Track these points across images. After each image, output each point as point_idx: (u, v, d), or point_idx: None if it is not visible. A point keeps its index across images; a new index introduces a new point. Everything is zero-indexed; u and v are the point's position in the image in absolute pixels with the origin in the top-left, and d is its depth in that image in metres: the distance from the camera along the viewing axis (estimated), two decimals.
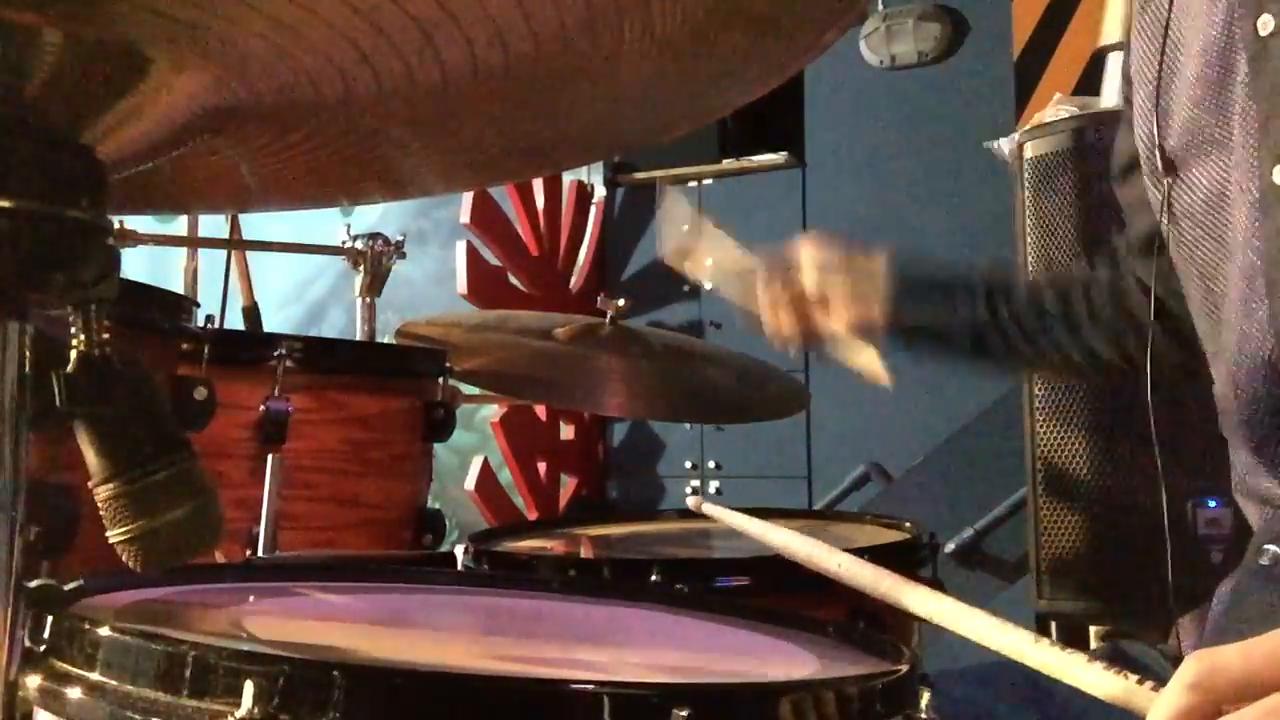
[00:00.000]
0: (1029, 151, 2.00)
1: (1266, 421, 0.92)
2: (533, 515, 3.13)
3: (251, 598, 0.90)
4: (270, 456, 1.34)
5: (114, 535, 0.58)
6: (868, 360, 1.21)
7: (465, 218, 3.08)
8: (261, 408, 1.39)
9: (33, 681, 0.61)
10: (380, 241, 2.10)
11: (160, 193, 0.72)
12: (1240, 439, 0.95)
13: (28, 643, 0.62)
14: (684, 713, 0.54)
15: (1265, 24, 0.88)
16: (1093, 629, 2.05)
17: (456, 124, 0.61)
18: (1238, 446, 0.96)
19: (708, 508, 1.11)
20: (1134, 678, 0.57)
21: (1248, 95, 0.90)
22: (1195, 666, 0.52)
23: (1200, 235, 0.97)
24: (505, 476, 3.18)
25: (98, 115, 0.52)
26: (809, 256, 1.24)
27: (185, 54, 0.50)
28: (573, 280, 3.43)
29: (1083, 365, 1.20)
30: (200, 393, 1.27)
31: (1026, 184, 1.99)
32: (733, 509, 1.07)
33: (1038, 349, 1.22)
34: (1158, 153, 1.00)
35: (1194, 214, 0.97)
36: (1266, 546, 0.91)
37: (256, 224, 3.01)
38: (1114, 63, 2.13)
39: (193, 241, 2.37)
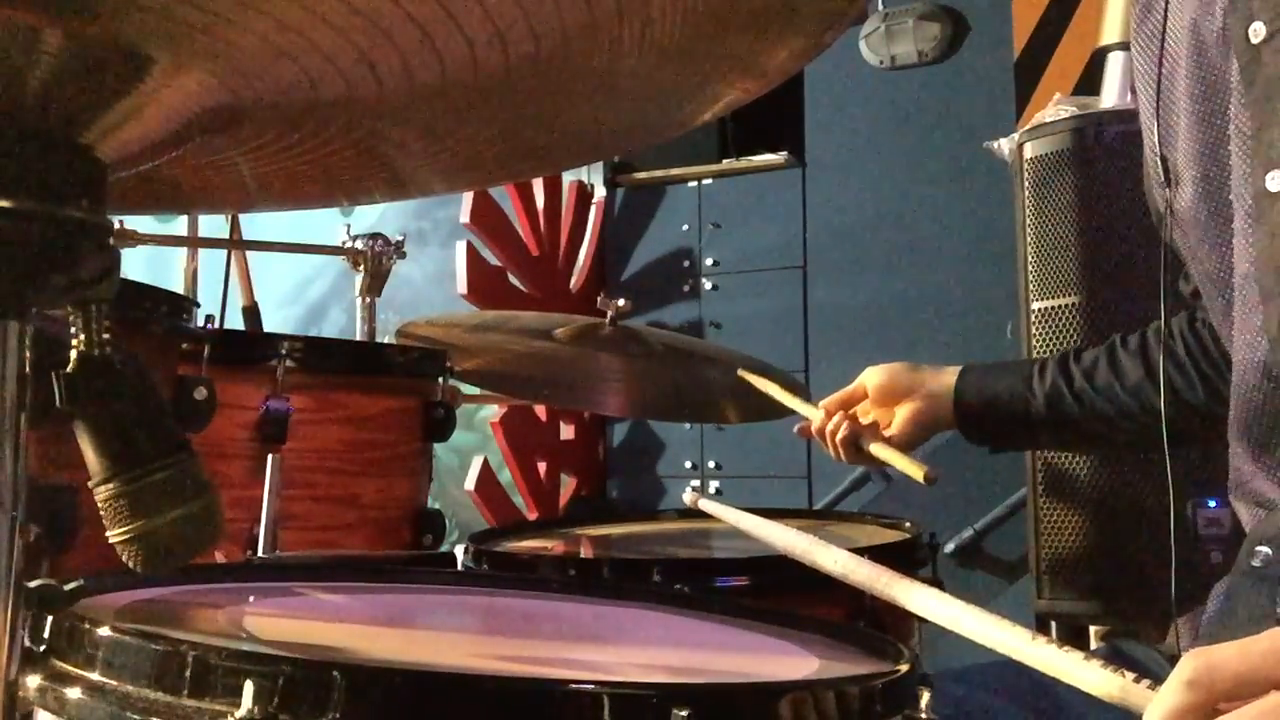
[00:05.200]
0: (1029, 151, 2.00)
1: (1262, 424, 0.92)
2: (533, 515, 3.13)
3: (251, 598, 0.90)
4: (270, 456, 1.34)
5: (114, 535, 0.58)
6: (904, 464, 1.35)
7: (465, 218, 3.08)
8: (261, 408, 1.39)
9: (33, 681, 0.61)
10: (380, 241, 2.10)
11: (160, 193, 0.72)
12: (1239, 440, 0.96)
13: (28, 643, 0.62)
14: (684, 713, 0.54)
15: (1256, 31, 0.88)
16: (1093, 629, 2.05)
17: (457, 124, 0.61)
18: (1236, 448, 0.97)
19: (704, 503, 1.12)
20: (1130, 676, 0.57)
21: (1240, 103, 0.91)
22: (1192, 664, 0.52)
23: (1205, 243, 0.97)
24: (505, 476, 3.18)
25: (97, 115, 0.52)
26: (872, 388, 1.41)
27: (185, 54, 0.50)
28: (573, 280, 3.43)
29: (1170, 415, 1.18)
30: (200, 393, 1.28)
31: (1026, 184, 1.99)
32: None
33: (1118, 406, 1.25)
34: (1160, 163, 1.00)
35: (1198, 223, 0.97)
36: (1258, 548, 0.92)
37: (256, 224, 3.02)
38: (1114, 63, 2.13)
39: (193, 241, 2.37)
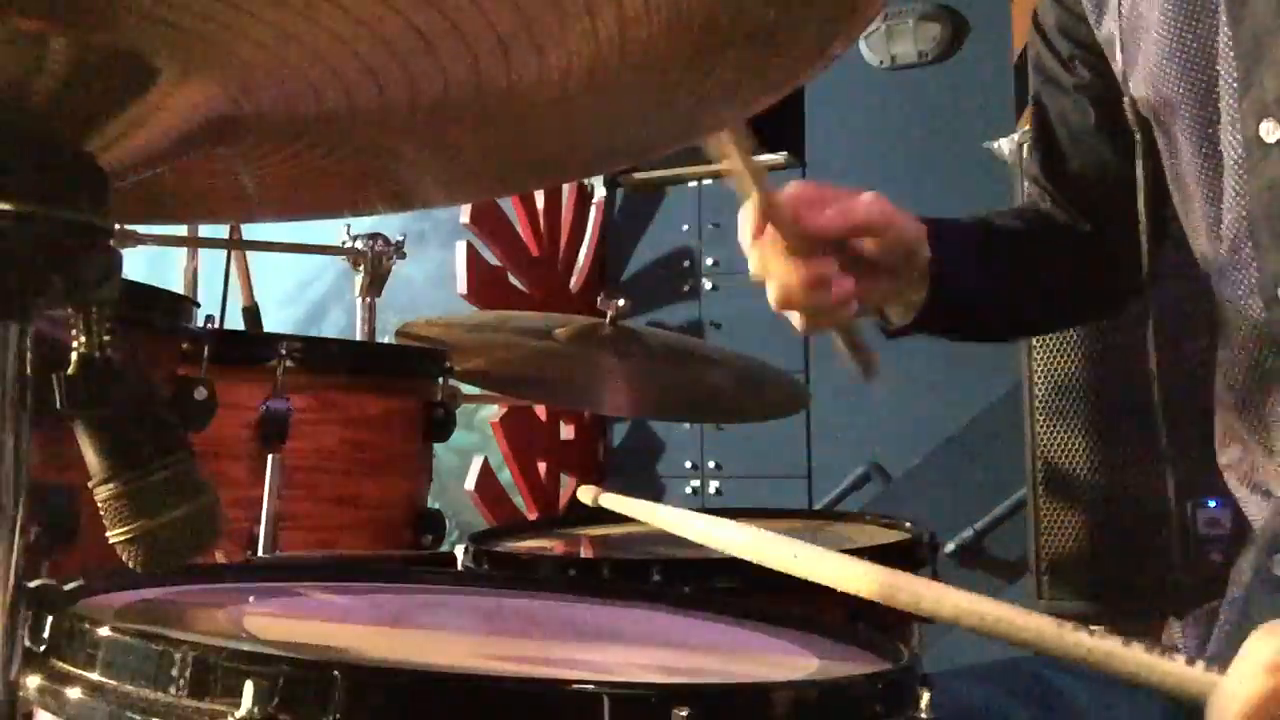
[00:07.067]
0: (1029, 152, 1.99)
1: (1257, 392, 0.89)
2: (533, 515, 3.13)
3: (251, 598, 0.90)
4: (270, 456, 1.35)
5: (114, 535, 0.58)
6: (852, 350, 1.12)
7: (465, 218, 3.08)
8: (261, 408, 1.39)
9: (33, 681, 0.61)
10: (380, 242, 2.10)
11: (162, 201, 0.72)
12: (1237, 412, 0.92)
13: (28, 643, 0.62)
14: (684, 713, 0.54)
15: None
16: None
17: (459, 136, 0.61)
18: (1234, 421, 0.93)
19: (606, 499, 1.06)
20: (1179, 657, 0.51)
21: (1228, 46, 0.87)
22: (1275, 645, 0.46)
23: (1189, 194, 0.94)
24: (505, 476, 3.18)
25: (102, 124, 0.52)
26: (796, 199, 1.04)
27: (190, 65, 0.50)
28: (573, 280, 3.43)
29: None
30: (200, 393, 1.28)
31: (1026, 184, 1.99)
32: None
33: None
34: (1129, 104, 0.97)
35: (1179, 172, 0.94)
36: (1279, 555, 0.86)
37: (256, 224, 3.01)
38: None
39: (193, 241, 2.37)
